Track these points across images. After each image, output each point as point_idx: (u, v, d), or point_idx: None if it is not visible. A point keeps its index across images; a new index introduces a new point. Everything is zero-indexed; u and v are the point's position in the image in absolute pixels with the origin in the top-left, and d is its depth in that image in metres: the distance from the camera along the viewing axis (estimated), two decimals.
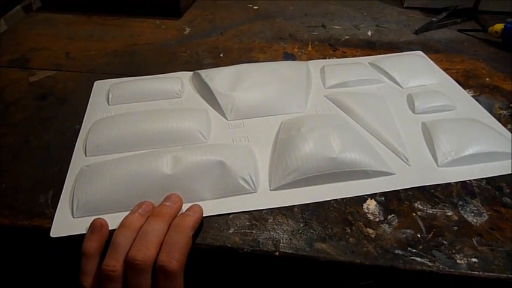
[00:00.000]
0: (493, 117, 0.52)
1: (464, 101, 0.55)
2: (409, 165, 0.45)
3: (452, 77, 0.60)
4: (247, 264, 0.38)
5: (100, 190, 0.40)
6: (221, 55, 0.68)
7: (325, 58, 0.67)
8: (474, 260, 0.36)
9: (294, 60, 0.67)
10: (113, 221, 0.37)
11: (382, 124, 0.50)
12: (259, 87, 0.55)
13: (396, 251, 0.36)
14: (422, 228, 0.38)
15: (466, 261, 0.35)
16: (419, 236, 0.38)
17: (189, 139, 0.47)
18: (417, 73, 0.60)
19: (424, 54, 0.67)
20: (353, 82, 0.58)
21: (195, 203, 0.40)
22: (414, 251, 0.36)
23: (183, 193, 0.40)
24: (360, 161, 0.43)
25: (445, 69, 0.62)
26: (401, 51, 0.69)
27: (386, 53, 0.67)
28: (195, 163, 0.41)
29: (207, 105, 0.55)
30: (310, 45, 0.71)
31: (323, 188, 0.42)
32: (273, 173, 0.43)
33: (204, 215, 0.39)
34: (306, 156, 0.43)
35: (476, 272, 0.35)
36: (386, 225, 0.39)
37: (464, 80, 0.60)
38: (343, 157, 0.42)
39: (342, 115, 0.52)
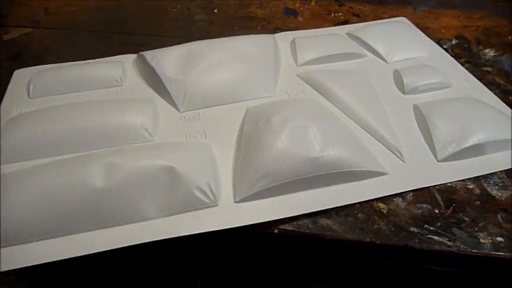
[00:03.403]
0: (494, 95, 0.46)
1: (460, 77, 0.48)
2: (403, 161, 0.38)
3: (471, 35, 0.55)
4: (243, 244, 0.36)
5: (13, 213, 0.31)
6: (215, 11, 0.63)
7: (330, 14, 0.61)
8: (499, 239, 0.32)
9: (295, 17, 0.61)
10: (33, 253, 0.30)
11: (368, 109, 0.43)
12: (217, 69, 0.46)
13: (411, 229, 0.33)
14: (441, 203, 0.35)
15: (490, 241, 0.32)
16: (437, 211, 0.35)
17: (129, 138, 0.39)
18: (403, 44, 0.52)
19: (409, 22, 0.59)
20: (330, 57, 0.50)
21: None
22: (431, 228, 0.33)
23: (122, 212, 0.32)
24: (345, 159, 0.35)
25: (463, 27, 0.57)
26: (415, 8, 0.63)
27: (398, 9, 0.62)
28: (135, 171, 0.33)
29: (154, 94, 0.46)
30: (313, 0, 0.65)
31: (301, 197, 0.35)
32: (238, 180, 0.36)
33: (150, 240, 0.31)
34: (279, 156, 0.35)
35: (502, 253, 0.32)
36: (400, 199, 0.36)
37: (485, 38, 0.56)
38: (325, 156, 0.35)
39: (319, 99, 0.45)
